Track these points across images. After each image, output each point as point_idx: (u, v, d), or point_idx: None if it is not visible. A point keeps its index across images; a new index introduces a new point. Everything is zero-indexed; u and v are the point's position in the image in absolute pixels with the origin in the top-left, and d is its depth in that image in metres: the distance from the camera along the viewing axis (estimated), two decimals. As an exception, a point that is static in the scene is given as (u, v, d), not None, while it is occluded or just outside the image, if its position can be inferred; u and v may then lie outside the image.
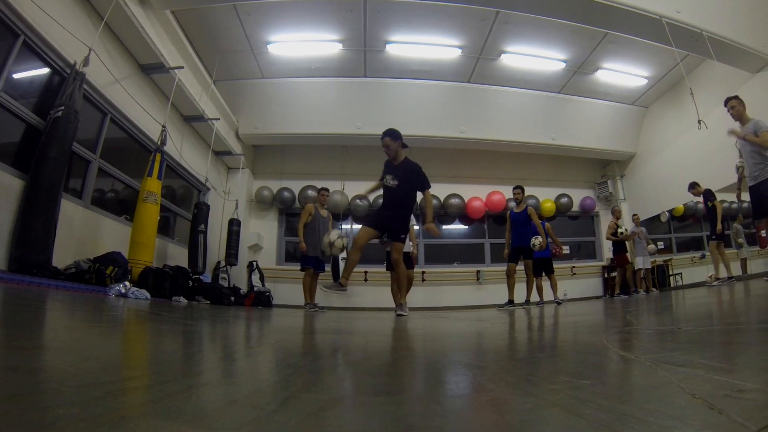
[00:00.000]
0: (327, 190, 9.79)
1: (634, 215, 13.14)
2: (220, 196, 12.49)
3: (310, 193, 13.00)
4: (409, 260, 9.03)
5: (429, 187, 6.55)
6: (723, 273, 9.78)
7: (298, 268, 9.28)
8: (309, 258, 9.08)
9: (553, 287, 10.61)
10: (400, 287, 6.75)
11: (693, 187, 10.67)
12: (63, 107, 5.94)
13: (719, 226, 9.84)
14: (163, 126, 8.40)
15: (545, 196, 14.66)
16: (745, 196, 8.01)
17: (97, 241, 7.23)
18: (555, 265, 10.90)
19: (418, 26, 10.39)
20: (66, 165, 6.08)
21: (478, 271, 13.85)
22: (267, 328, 4.18)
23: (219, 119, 11.11)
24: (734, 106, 7.39)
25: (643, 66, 11.94)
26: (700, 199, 10.59)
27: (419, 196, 6.61)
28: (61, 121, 5.90)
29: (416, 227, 9.74)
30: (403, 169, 6.50)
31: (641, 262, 12.40)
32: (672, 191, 12.69)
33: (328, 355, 2.32)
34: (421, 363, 2.03)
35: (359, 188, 13.37)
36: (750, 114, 7.35)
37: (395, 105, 12.56)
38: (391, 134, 6.51)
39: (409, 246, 8.72)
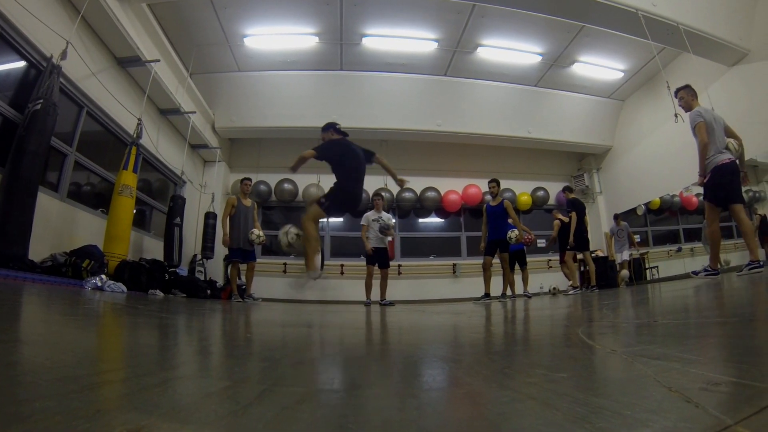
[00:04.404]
0: (249, 179, 9.75)
1: (616, 215, 13.19)
2: (196, 189, 12.38)
3: (233, 183, 12.84)
4: (386, 256, 9.19)
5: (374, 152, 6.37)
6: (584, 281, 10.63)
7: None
8: (234, 250, 9.12)
9: (524, 280, 10.60)
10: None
11: (564, 191, 10.99)
12: (42, 100, 5.83)
13: (571, 239, 10.26)
14: (139, 119, 8.28)
15: (521, 189, 14.69)
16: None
17: (73, 235, 7.14)
18: (531, 259, 10.89)
19: (394, 19, 10.35)
20: (45, 158, 5.98)
21: (454, 265, 13.86)
22: (243, 321, 4.16)
23: (195, 112, 10.99)
24: (683, 97, 6.81)
25: (620, 59, 12.01)
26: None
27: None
28: (40, 114, 5.79)
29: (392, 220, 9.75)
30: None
31: (620, 257, 12.60)
32: (648, 184, 12.85)
33: (304, 348, 2.33)
34: (397, 356, 2.04)
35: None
36: (722, 107, 6.93)
37: (371, 98, 12.52)
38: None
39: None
